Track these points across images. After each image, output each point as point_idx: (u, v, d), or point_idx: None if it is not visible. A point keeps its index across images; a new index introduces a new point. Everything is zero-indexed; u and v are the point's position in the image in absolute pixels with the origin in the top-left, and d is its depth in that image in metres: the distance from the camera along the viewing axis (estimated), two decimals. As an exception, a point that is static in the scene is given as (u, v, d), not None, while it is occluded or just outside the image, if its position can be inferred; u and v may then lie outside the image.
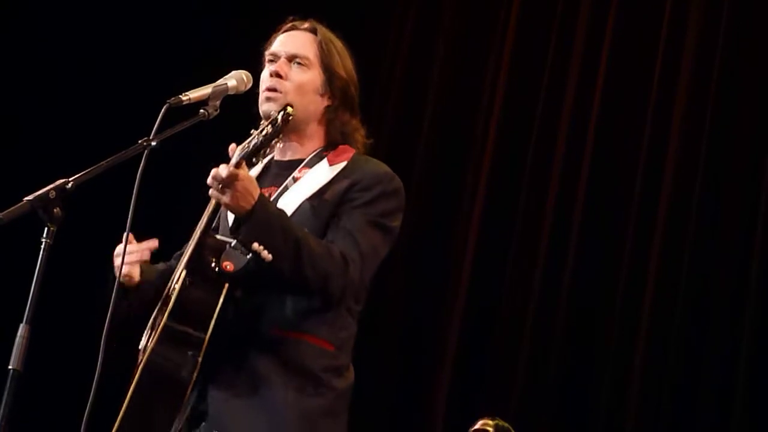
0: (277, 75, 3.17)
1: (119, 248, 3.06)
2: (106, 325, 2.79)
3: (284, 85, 3.16)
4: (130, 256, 3.06)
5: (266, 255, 2.86)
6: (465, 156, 6.42)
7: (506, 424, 4.99)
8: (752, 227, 5.53)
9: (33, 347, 2.59)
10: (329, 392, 3.02)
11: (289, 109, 2.91)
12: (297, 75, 3.18)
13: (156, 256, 3.17)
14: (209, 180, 2.87)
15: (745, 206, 5.61)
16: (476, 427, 4.97)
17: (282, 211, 2.99)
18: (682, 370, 5.53)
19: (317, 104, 3.19)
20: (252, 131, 2.91)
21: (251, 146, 2.86)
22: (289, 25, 3.28)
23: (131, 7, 6.76)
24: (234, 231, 2.94)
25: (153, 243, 3.12)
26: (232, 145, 2.93)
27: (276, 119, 2.87)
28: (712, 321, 5.53)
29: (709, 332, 5.51)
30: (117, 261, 3.05)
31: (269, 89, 3.17)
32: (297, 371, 2.99)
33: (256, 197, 2.88)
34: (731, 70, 5.78)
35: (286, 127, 2.92)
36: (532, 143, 6.25)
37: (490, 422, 4.97)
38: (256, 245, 2.86)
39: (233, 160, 2.87)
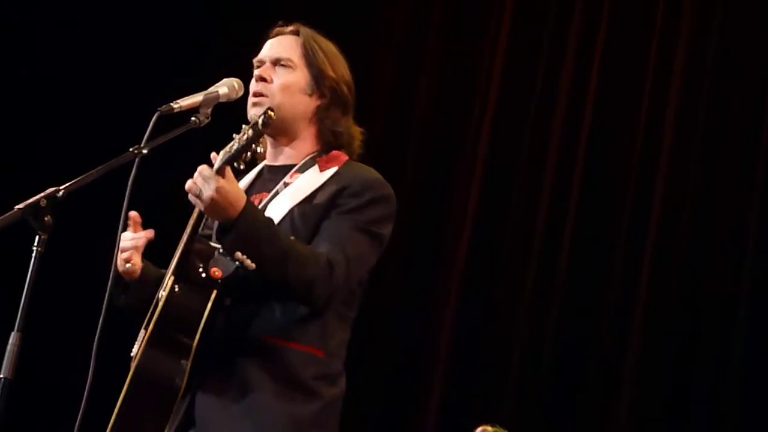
0: (261, 79, 3.17)
1: (123, 243, 3.06)
2: (98, 330, 2.79)
3: (269, 88, 3.15)
4: (132, 241, 3.06)
5: (249, 264, 2.85)
6: (457, 157, 6.42)
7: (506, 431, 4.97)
8: (744, 221, 5.56)
9: (24, 355, 2.59)
10: (319, 400, 3.00)
11: (270, 111, 2.88)
12: (281, 76, 3.17)
13: (149, 257, 3.15)
14: (188, 185, 2.86)
15: (739, 199, 5.63)
16: None
17: (268, 219, 2.97)
18: (674, 369, 5.54)
19: (306, 104, 3.17)
20: (234, 135, 2.90)
21: (233, 150, 2.84)
22: (275, 31, 3.27)
23: (122, 15, 6.76)
24: (217, 238, 2.93)
25: (149, 233, 3.11)
26: (213, 153, 2.92)
27: (256, 122, 2.85)
28: (708, 325, 5.54)
29: (703, 340, 5.52)
30: (121, 255, 3.06)
31: (255, 94, 3.16)
32: (286, 379, 2.97)
33: (241, 205, 2.86)
34: (726, 53, 5.81)
35: (267, 130, 2.91)
36: (525, 145, 6.25)
37: (490, 428, 4.95)
38: (239, 254, 2.85)
39: (215, 166, 2.86)
